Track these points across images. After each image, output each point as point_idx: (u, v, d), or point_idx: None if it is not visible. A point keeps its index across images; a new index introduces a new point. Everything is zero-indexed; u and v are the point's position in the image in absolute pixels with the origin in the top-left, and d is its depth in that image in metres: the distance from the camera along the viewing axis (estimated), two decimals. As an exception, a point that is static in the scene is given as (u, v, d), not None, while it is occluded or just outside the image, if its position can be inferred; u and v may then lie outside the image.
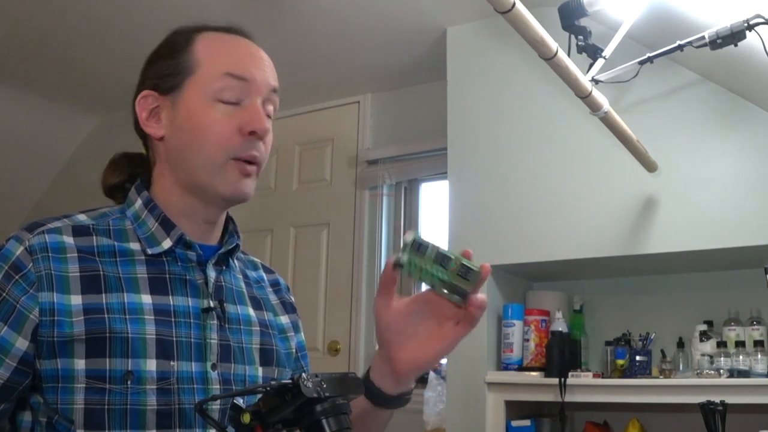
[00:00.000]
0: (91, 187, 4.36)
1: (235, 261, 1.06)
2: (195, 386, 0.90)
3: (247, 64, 0.98)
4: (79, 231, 0.94)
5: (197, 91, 0.96)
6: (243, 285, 1.05)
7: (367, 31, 2.92)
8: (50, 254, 0.89)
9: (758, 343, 2.19)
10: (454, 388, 2.52)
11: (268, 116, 0.99)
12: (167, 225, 0.96)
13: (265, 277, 1.12)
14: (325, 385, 0.73)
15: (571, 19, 1.88)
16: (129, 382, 0.86)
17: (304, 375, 0.73)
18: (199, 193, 0.97)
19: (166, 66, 1.00)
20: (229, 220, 1.05)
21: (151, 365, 0.88)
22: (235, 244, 1.02)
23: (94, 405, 0.86)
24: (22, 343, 0.86)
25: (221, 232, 1.03)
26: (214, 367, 0.93)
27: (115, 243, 0.94)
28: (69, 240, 0.92)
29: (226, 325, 0.97)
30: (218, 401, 0.92)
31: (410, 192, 3.44)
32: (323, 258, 3.38)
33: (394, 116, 3.40)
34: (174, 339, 0.91)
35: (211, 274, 0.98)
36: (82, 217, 0.97)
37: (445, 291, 0.85)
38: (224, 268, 1.02)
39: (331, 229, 3.40)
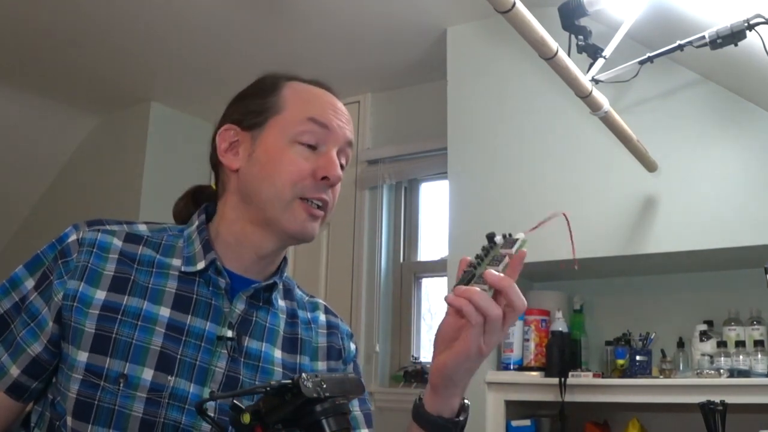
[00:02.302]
0: (91, 187, 4.35)
1: (282, 300, 1.07)
2: (186, 407, 0.91)
3: (329, 114, 1.02)
4: (130, 238, 1.00)
5: (279, 131, 1.00)
6: (281, 325, 1.05)
7: (367, 31, 2.92)
8: (95, 250, 0.96)
9: (758, 343, 2.19)
10: (454, 388, 2.52)
11: (341, 166, 1.03)
12: (207, 248, 1.00)
13: (322, 319, 1.13)
14: (324, 385, 0.73)
15: (571, 19, 1.88)
16: (121, 385, 0.89)
17: (304, 375, 0.73)
18: (263, 225, 1.00)
19: (253, 104, 1.04)
20: (284, 259, 1.08)
21: (147, 374, 0.90)
22: (272, 281, 1.03)
23: (85, 397, 0.89)
24: (51, 325, 0.92)
25: (275, 271, 1.06)
26: (213, 394, 0.93)
27: (158, 256, 0.99)
28: (118, 243, 0.98)
29: (241, 359, 0.97)
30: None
31: (410, 192, 3.44)
32: (323, 258, 3.38)
33: (394, 116, 3.40)
34: (178, 356, 0.93)
35: (239, 305, 0.99)
36: (141, 228, 1.03)
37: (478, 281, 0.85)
38: (261, 304, 1.03)
39: (331, 229, 3.40)
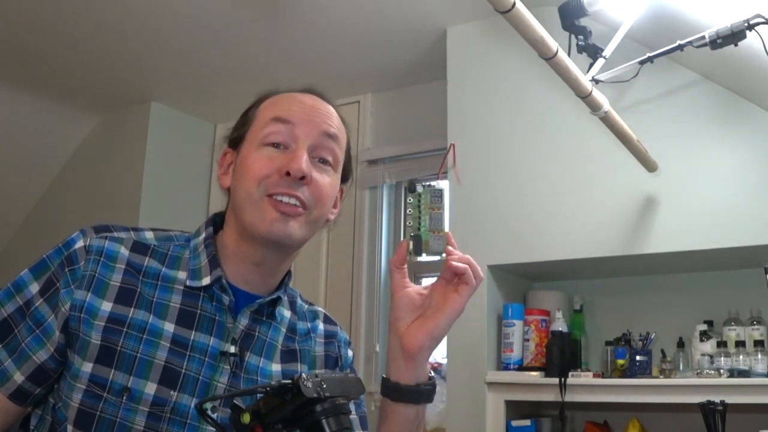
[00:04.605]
0: (91, 187, 4.35)
1: (285, 311, 1.07)
2: (188, 421, 0.92)
3: (294, 110, 1.00)
4: (137, 248, 0.98)
5: (251, 140, 1.01)
6: (280, 338, 1.05)
7: (367, 31, 2.92)
8: (102, 259, 0.95)
9: (758, 343, 2.19)
10: (454, 388, 2.52)
11: (323, 161, 1.00)
12: (213, 264, 0.99)
13: (321, 328, 1.13)
14: (324, 385, 0.73)
15: (571, 19, 1.88)
16: (124, 398, 0.89)
17: (303, 375, 0.73)
18: (246, 235, 0.99)
19: (237, 123, 1.06)
20: (288, 273, 1.07)
21: (151, 388, 0.91)
22: (276, 296, 1.03)
23: (87, 408, 0.89)
24: (58, 334, 0.91)
25: (279, 284, 1.05)
26: (214, 409, 0.93)
27: (163, 268, 0.98)
28: (125, 252, 0.97)
29: (241, 374, 0.97)
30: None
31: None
32: (323, 258, 3.38)
33: (394, 116, 3.40)
34: (182, 371, 0.93)
35: (243, 321, 0.99)
36: (149, 235, 1.02)
37: (410, 236, 0.93)
38: (264, 318, 1.02)
39: (331, 229, 3.39)
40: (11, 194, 3.95)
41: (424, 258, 3.26)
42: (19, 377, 0.91)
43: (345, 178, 1.09)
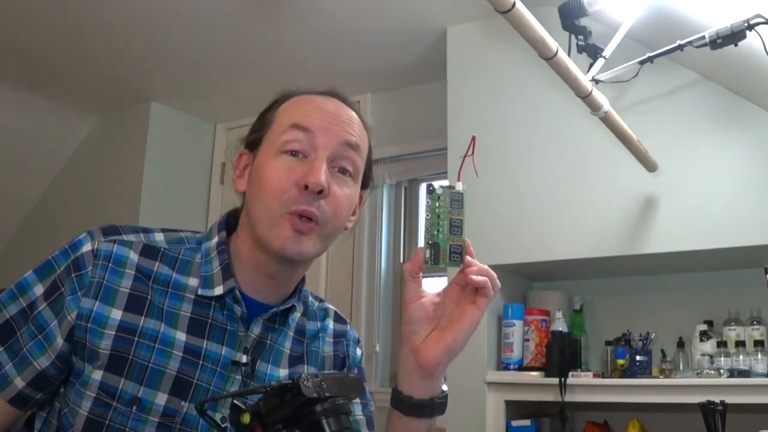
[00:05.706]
0: (91, 187, 4.33)
1: (296, 312, 1.05)
2: None
3: (313, 116, 0.96)
4: (147, 252, 0.95)
5: (269, 145, 0.97)
6: (289, 344, 1.02)
7: (367, 31, 2.92)
8: (110, 264, 0.92)
9: (758, 343, 2.19)
10: (454, 388, 2.52)
11: (343, 171, 0.97)
12: (227, 272, 0.96)
13: (331, 327, 1.11)
14: (324, 385, 0.73)
15: (571, 19, 1.88)
16: (134, 408, 0.88)
17: (303, 375, 0.73)
18: (260, 246, 0.95)
19: (255, 124, 1.02)
20: (302, 280, 1.04)
21: (161, 399, 0.89)
22: (290, 305, 1.01)
23: (96, 416, 0.87)
24: (60, 341, 0.89)
25: (292, 292, 1.02)
26: (224, 420, 0.92)
27: (174, 274, 0.95)
28: (134, 257, 0.93)
29: (252, 383, 0.95)
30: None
31: (410, 192, 3.44)
32: (323, 258, 3.38)
33: (394, 116, 3.40)
34: (195, 381, 0.91)
35: (255, 329, 0.97)
36: (159, 237, 0.98)
37: (428, 243, 0.92)
38: (276, 326, 1.00)
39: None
40: (11, 194, 3.95)
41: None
42: (19, 382, 0.89)
43: (365, 184, 1.06)
